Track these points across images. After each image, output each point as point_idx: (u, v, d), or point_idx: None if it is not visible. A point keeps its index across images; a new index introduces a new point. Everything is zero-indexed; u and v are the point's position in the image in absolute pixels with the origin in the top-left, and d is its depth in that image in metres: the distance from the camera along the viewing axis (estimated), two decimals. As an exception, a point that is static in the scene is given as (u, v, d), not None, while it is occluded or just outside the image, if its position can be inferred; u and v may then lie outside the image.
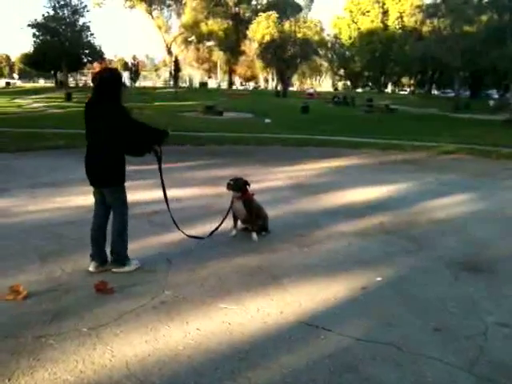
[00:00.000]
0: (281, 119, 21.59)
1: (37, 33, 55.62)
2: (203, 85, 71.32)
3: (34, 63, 59.30)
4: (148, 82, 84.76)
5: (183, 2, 65.90)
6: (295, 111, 27.03)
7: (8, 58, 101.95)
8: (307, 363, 2.68)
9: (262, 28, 54.18)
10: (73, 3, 55.13)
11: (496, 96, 49.58)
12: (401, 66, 56.47)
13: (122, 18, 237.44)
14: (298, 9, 68.29)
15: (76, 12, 55.49)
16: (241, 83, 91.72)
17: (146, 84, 76.00)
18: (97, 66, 53.15)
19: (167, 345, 2.83)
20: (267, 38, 52.95)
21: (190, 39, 67.69)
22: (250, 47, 66.22)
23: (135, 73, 71.32)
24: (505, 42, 30.00)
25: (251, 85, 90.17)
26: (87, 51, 57.95)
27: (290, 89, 67.73)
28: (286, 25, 54.43)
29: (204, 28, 65.31)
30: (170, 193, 4.50)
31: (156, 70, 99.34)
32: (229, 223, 4.83)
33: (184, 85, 72.87)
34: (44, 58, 53.71)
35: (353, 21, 63.99)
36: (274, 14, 54.50)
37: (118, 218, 3.86)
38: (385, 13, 61.58)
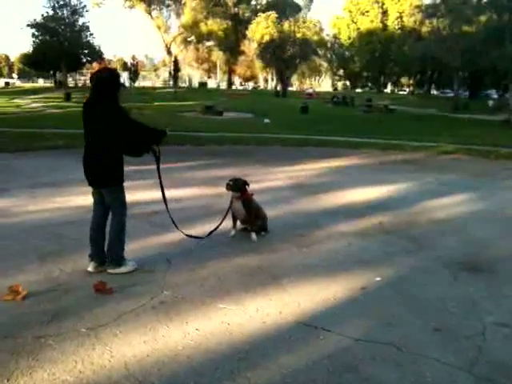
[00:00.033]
0: (280, 119, 21.60)
1: (36, 33, 55.62)
2: (203, 85, 71.44)
3: (34, 63, 59.28)
4: (147, 82, 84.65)
5: (182, 2, 65.88)
6: (295, 111, 27.05)
7: (7, 57, 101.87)
8: (307, 363, 2.68)
9: (261, 28, 54.17)
10: (72, 3, 55.28)
11: (495, 96, 49.58)
12: (400, 66, 56.55)
13: (121, 18, 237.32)
14: (298, 9, 68.29)
15: (75, 12, 55.55)
16: (240, 83, 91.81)
17: (146, 84, 75.92)
18: (96, 66, 53.04)
19: (166, 345, 2.82)
20: (266, 38, 52.93)
21: (189, 39, 67.77)
22: (250, 47, 66.22)
23: (134, 73, 71.28)
24: (504, 42, 30.01)
25: (251, 85, 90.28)
26: (86, 51, 57.94)
27: (290, 89, 67.76)
28: (286, 25, 54.41)
29: (203, 28, 65.33)
30: (170, 193, 4.50)
31: (155, 70, 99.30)
32: (228, 223, 4.82)
33: (183, 85, 72.99)
34: (43, 58, 53.65)
35: (352, 21, 64.05)
36: (273, 14, 54.49)
37: (117, 218, 3.86)
38: (384, 13, 61.63)
